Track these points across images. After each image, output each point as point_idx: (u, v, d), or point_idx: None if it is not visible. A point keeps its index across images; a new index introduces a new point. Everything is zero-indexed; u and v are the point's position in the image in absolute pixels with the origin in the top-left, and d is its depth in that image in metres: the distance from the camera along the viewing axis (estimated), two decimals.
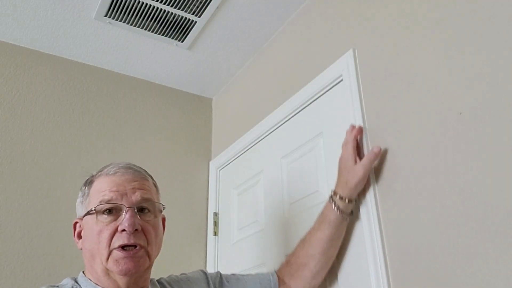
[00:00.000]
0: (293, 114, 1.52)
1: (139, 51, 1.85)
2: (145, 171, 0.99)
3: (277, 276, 1.16)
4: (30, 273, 1.48)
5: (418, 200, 1.02)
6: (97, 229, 0.87)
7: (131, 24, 1.69)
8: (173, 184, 1.88)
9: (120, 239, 0.86)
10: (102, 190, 0.90)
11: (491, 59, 0.92)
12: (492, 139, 0.89)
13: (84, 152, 1.75)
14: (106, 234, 0.87)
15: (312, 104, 1.45)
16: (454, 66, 1.00)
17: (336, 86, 1.36)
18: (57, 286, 0.90)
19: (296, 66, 1.60)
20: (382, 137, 1.16)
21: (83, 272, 0.94)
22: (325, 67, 1.40)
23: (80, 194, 0.97)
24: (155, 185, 1.00)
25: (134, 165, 0.98)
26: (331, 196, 1.12)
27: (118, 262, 0.86)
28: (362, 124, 1.21)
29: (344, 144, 1.17)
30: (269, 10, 1.66)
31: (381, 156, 1.14)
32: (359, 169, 1.10)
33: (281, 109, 1.58)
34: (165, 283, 1.02)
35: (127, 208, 0.88)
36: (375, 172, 1.15)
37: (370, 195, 1.13)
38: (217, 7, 1.62)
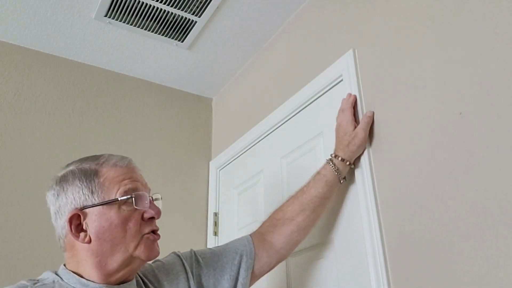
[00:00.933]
0: (293, 114, 1.52)
1: (139, 51, 1.85)
2: None
3: (252, 238, 1.13)
4: (31, 273, 1.48)
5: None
6: (121, 218, 0.87)
7: (131, 24, 1.69)
8: (173, 184, 1.88)
9: (149, 226, 0.90)
10: (121, 179, 0.90)
11: (491, 59, 0.92)
12: (492, 139, 0.89)
13: (84, 152, 1.73)
14: (135, 221, 0.88)
15: (312, 104, 1.45)
16: (454, 66, 1.00)
17: (336, 86, 1.36)
18: (37, 280, 0.89)
19: (296, 66, 1.60)
20: (382, 136, 1.16)
21: (63, 265, 0.91)
22: (325, 67, 1.40)
23: (81, 185, 0.89)
24: None
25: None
26: (330, 159, 1.16)
27: (150, 247, 0.89)
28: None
29: (341, 111, 1.23)
30: (269, 10, 1.66)
31: (381, 156, 1.15)
32: (360, 132, 1.16)
33: (281, 109, 1.58)
34: (140, 274, 0.99)
35: (149, 197, 0.91)
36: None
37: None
38: (217, 7, 1.62)
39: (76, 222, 0.88)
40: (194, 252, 1.09)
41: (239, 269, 1.07)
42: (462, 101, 0.96)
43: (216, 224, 1.86)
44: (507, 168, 0.85)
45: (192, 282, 1.01)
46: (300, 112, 1.50)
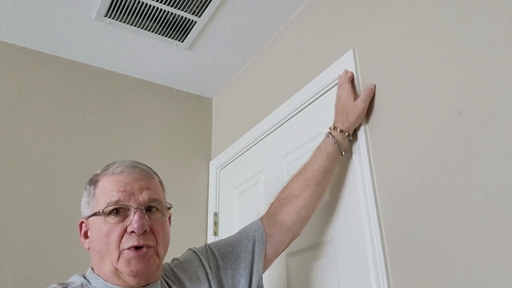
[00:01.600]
0: (293, 114, 1.52)
1: (139, 51, 1.85)
2: (150, 168, 0.98)
3: (262, 221, 1.14)
4: (32, 273, 1.48)
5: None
6: (105, 230, 0.87)
7: (131, 24, 1.69)
8: (173, 184, 1.88)
9: (130, 241, 0.86)
10: (109, 190, 0.89)
11: (491, 59, 0.92)
12: (492, 139, 0.89)
13: (84, 152, 1.75)
14: (115, 235, 0.86)
15: (312, 104, 1.45)
16: (454, 66, 1.00)
17: (336, 86, 1.36)
18: (66, 283, 0.90)
19: (296, 66, 1.60)
20: (382, 135, 1.16)
21: (91, 268, 0.93)
22: (325, 67, 1.40)
23: (85, 193, 0.95)
24: (161, 183, 0.99)
25: (139, 163, 0.97)
26: (329, 132, 1.18)
27: (129, 262, 0.86)
28: (362, 125, 1.22)
29: (340, 85, 1.26)
30: (269, 10, 1.66)
31: (381, 157, 1.15)
32: (359, 103, 1.18)
33: (281, 109, 1.58)
34: (169, 275, 1.00)
35: (135, 209, 0.87)
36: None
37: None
38: (217, 7, 1.62)
39: (84, 229, 0.93)
40: (209, 245, 1.10)
41: (253, 255, 1.08)
42: (462, 101, 0.97)
43: (216, 224, 1.86)
44: (507, 167, 0.85)
45: (211, 276, 1.01)
46: (300, 112, 1.50)
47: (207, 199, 1.95)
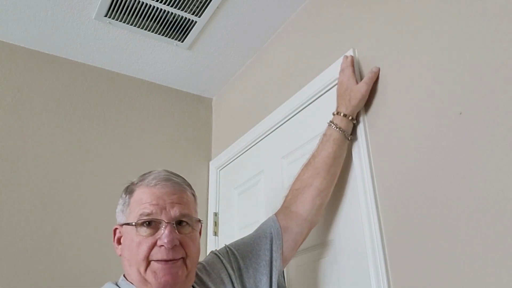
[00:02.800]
0: (293, 114, 1.52)
1: (139, 51, 1.85)
2: (184, 180, 1.00)
3: (278, 216, 1.14)
4: (31, 273, 1.48)
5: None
6: (136, 241, 0.89)
7: (131, 24, 1.69)
8: None
9: (159, 254, 0.88)
10: (143, 202, 0.91)
11: (491, 59, 0.92)
12: (492, 139, 0.89)
13: (84, 152, 1.75)
14: (145, 247, 0.88)
15: (312, 104, 1.45)
16: (454, 66, 1.00)
17: (336, 86, 1.36)
18: None
19: (296, 66, 1.60)
20: (382, 135, 1.16)
21: (124, 275, 0.95)
22: (325, 67, 1.40)
23: (120, 201, 0.98)
24: (194, 195, 1.01)
25: (174, 175, 0.99)
26: (331, 121, 1.19)
27: (156, 274, 0.87)
28: (362, 124, 1.22)
29: (342, 70, 1.27)
30: (269, 10, 1.66)
31: (381, 157, 1.15)
32: (362, 86, 1.19)
33: (281, 109, 1.58)
34: (195, 280, 1.00)
35: (166, 224, 0.89)
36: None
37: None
38: (217, 7, 1.62)
39: (118, 235, 0.96)
40: (229, 247, 1.11)
41: (271, 253, 1.09)
42: (462, 101, 0.96)
43: (216, 224, 1.86)
44: (507, 167, 0.85)
45: (234, 278, 1.03)
46: (300, 112, 1.50)
47: (207, 199, 1.95)
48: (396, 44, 1.18)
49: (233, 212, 1.78)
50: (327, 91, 1.39)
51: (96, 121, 1.82)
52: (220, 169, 1.95)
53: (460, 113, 0.96)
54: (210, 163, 2.03)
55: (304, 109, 1.48)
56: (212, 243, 1.83)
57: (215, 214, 1.88)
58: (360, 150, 1.21)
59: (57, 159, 1.68)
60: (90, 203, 1.67)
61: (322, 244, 1.28)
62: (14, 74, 1.72)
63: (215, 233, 1.85)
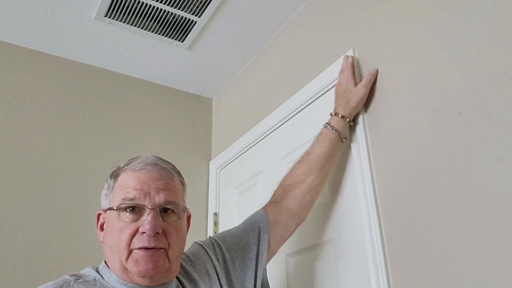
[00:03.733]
0: (293, 114, 1.52)
1: (139, 51, 1.85)
2: (173, 166, 0.97)
3: (266, 210, 1.13)
4: (31, 273, 1.48)
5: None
6: (118, 227, 0.85)
7: (131, 24, 1.69)
8: None
9: (141, 241, 0.84)
10: (126, 186, 0.88)
11: (491, 59, 0.92)
12: (492, 139, 0.89)
13: (84, 152, 1.75)
14: (127, 233, 0.84)
15: (312, 104, 1.45)
16: (454, 65, 1.00)
17: (335, 87, 1.36)
18: (79, 275, 0.89)
19: (296, 66, 1.60)
20: (381, 135, 1.16)
21: (104, 261, 0.91)
22: (325, 67, 1.40)
23: (105, 185, 0.94)
24: (182, 182, 0.97)
25: (161, 160, 0.95)
26: (328, 123, 1.20)
27: (137, 262, 0.84)
28: (362, 124, 1.22)
29: (342, 71, 1.27)
30: (269, 10, 1.66)
31: (381, 157, 1.15)
32: (360, 88, 1.19)
33: (281, 109, 1.58)
34: (180, 271, 0.97)
35: (150, 210, 0.85)
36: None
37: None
38: (217, 7, 1.62)
39: (101, 221, 0.92)
40: (214, 238, 1.09)
41: (258, 246, 1.07)
42: (462, 101, 0.96)
43: (216, 224, 1.86)
44: (507, 167, 0.85)
45: (219, 269, 1.01)
46: (300, 112, 1.50)
47: (207, 199, 1.95)
48: (396, 44, 1.18)
49: (233, 212, 1.78)
50: (327, 91, 1.39)
51: (96, 121, 1.82)
52: (220, 169, 1.95)
53: (460, 113, 0.96)
54: (210, 163, 2.03)
55: (304, 109, 1.48)
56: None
57: (215, 214, 1.88)
58: (360, 150, 1.21)
59: (56, 158, 1.68)
60: (90, 203, 1.67)
61: (321, 244, 1.28)
62: (14, 74, 1.72)
63: (215, 233, 1.85)
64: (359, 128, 1.23)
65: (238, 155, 1.83)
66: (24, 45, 1.78)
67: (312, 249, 1.30)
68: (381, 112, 1.18)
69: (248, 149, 1.77)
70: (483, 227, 0.87)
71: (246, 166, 1.77)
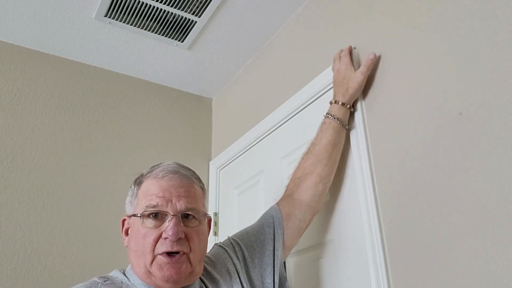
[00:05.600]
0: (294, 114, 1.52)
1: (139, 51, 1.85)
2: (193, 173, 1.00)
3: (279, 205, 1.15)
4: (31, 273, 1.48)
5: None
6: (142, 233, 0.89)
7: (131, 24, 1.69)
8: None
9: (164, 246, 0.88)
10: (149, 194, 0.92)
11: (491, 59, 0.92)
12: (492, 139, 0.89)
13: (84, 152, 1.75)
14: (151, 239, 0.88)
15: (312, 104, 1.45)
16: (454, 66, 1.00)
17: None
18: (107, 277, 0.93)
19: (296, 66, 1.60)
20: (381, 135, 1.16)
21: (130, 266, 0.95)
22: (326, 67, 1.40)
23: (129, 192, 0.98)
24: (202, 188, 1.00)
25: (182, 168, 0.98)
26: (328, 113, 1.21)
27: (161, 267, 0.88)
28: (362, 124, 1.22)
29: (338, 58, 1.28)
30: (269, 10, 1.66)
31: (381, 158, 1.15)
32: (359, 75, 1.20)
33: (281, 109, 1.58)
34: (205, 275, 1.00)
35: (172, 216, 0.89)
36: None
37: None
38: (217, 7, 1.62)
39: (126, 226, 0.96)
40: (232, 238, 1.12)
41: (274, 242, 1.09)
42: (462, 101, 0.97)
43: (216, 224, 1.86)
44: (507, 167, 0.85)
45: (239, 268, 1.03)
46: (301, 112, 1.50)
47: (207, 199, 1.95)
48: (395, 44, 1.18)
49: (233, 212, 1.78)
50: (327, 91, 1.39)
51: (96, 121, 1.82)
52: (220, 169, 1.95)
53: (460, 113, 0.96)
54: (210, 163, 2.03)
55: (304, 109, 1.48)
56: (212, 243, 1.82)
57: (215, 214, 1.88)
58: (359, 149, 1.21)
59: (56, 158, 1.68)
60: (89, 203, 1.67)
61: (322, 244, 1.28)
62: (14, 74, 1.72)
63: (215, 233, 1.85)
64: (359, 128, 1.23)
65: (238, 155, 1.83)
66: (24, 45, 1.78)
67: (313, 249, 1.30)
68: (381, 112, 1.18)
69: (248, 149, 1.77)
70: (483, 226, 0.87)
71: (246, 166, 1.77)
